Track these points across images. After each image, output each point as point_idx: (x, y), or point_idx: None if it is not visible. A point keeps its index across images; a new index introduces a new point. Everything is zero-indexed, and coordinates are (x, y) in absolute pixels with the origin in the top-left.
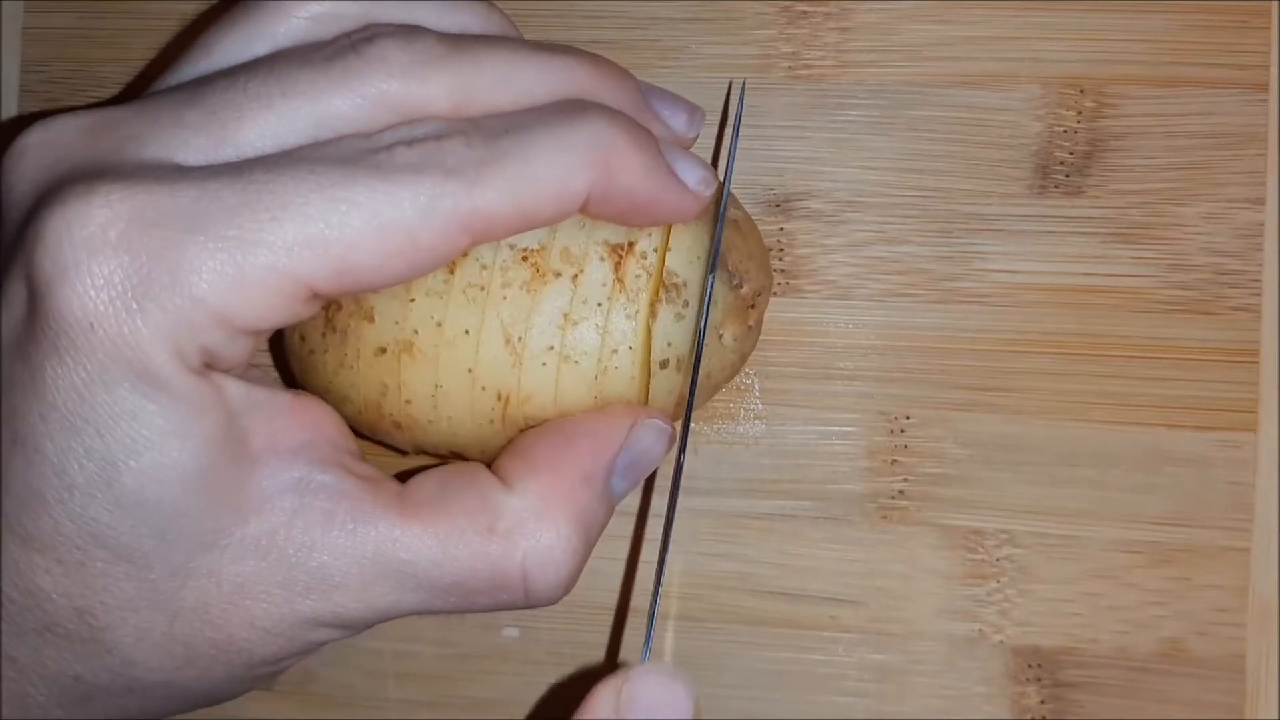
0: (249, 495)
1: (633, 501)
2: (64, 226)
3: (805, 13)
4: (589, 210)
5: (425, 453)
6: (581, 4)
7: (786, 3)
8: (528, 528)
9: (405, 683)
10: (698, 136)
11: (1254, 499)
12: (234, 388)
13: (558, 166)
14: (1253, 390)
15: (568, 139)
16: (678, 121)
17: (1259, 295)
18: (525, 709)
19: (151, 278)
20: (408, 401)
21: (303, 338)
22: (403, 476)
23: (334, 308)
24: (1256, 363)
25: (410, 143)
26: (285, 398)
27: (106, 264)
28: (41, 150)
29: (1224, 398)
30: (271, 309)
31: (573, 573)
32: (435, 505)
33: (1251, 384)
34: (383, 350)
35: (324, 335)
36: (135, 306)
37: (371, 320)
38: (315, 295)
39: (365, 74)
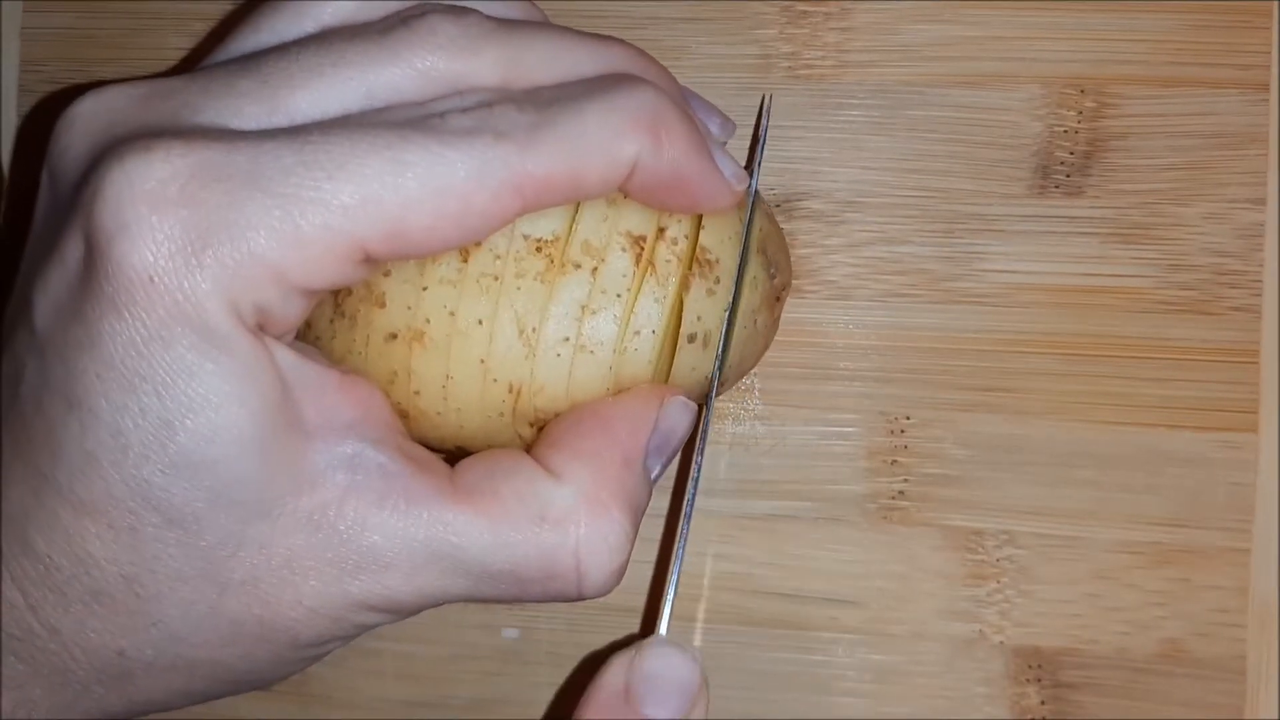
0: (303, 468)
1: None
2: (125, 181)
3: (805, 13)
4: (633, 183)
5: (429, 448)
6: (582, 4)
7: (787, 3)
8: (579, 515)
9: (405, 683)
10: (725, 144)
11: (1254, 500)
12: (286, 356)
13: (608, 129)
14: (1253, 391)
15: (618, 104)
16: (711, 125)
17: (1259, 295)
18: (525, 710)
19: (211, 233)
20: (416, 392)
21: (308, 324)
22: None
23: (343, 293)
24: (1257, 363)
25: (464, 109)
26: (334, 374)
27: (167, 219)
28: (95, 116)
29: (1224, 398)
30: (326, 268)
31: (624, 560)
32: (485, 491)
33: (1252, 384)
34: (393, 336)
35: (331, 321)
36: (195, 261)
37: (383, 305)
38: (368, 257)
39: (416, 46)
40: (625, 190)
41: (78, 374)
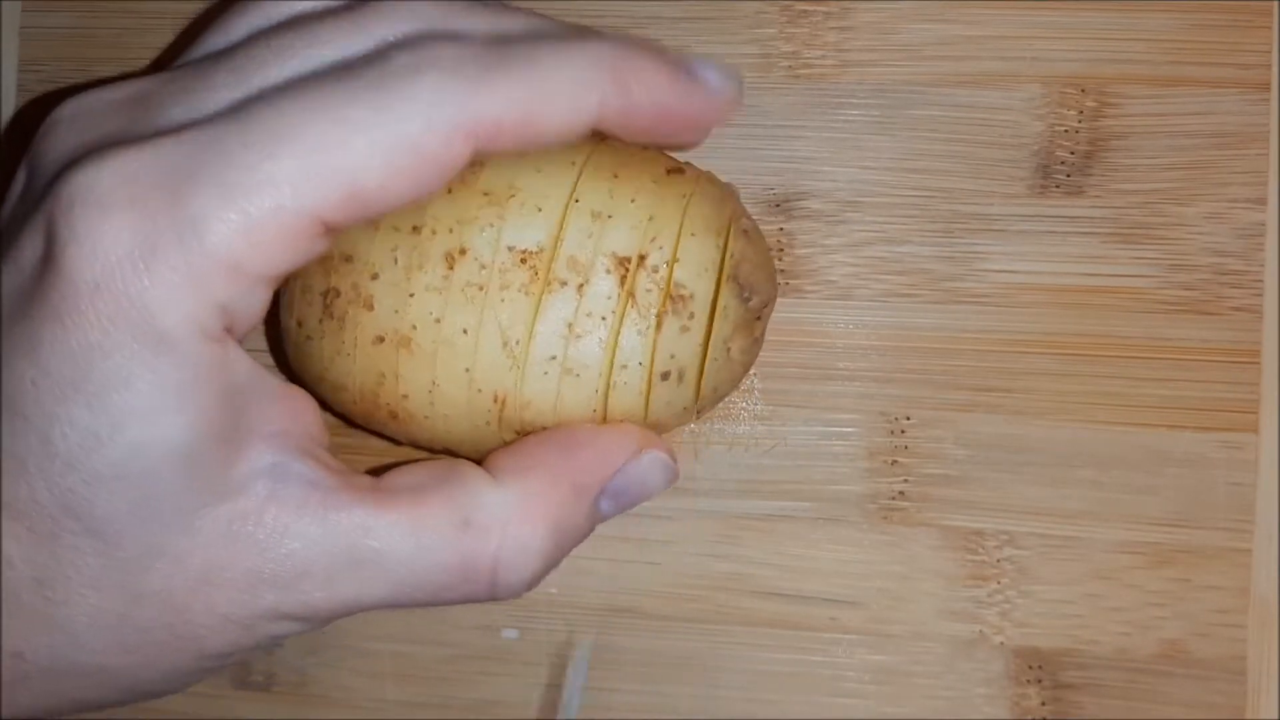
0: (228, 477)
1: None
2: (80, 189)
3: (805, 12)
4: (610, 128)
5: (420, 447)
6: (583, 4)
7: (787, 2)
8: (504, 522)
9: (403, 684)
10: (739, 96)
11: (1255, 500)
12: (242, 363)
13: (568, 71)
14: (1254, 391)
15: (579, 48)
16: (711, 75)
17: (1260, 295)
18: (524, 710)
19: (161, 235)
20: (404, 396)
21: (299, 323)
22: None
23: (332, 294)
24: (1258, 363)
25: (405, 46)
26: (276, 384)
27: (115, 225)
28: (72, 124)
29: (1225, 398)
30: (284, 250)
31: (538, 574)
32: (413, 493)
33: (1252, 384)
34: (380, 339)
35: (321, 321)
36: (143, 266)
37: (371, 308)
38: (328, 228)
39: (390, 18)
40: (608, 132)
41: (15, 378)
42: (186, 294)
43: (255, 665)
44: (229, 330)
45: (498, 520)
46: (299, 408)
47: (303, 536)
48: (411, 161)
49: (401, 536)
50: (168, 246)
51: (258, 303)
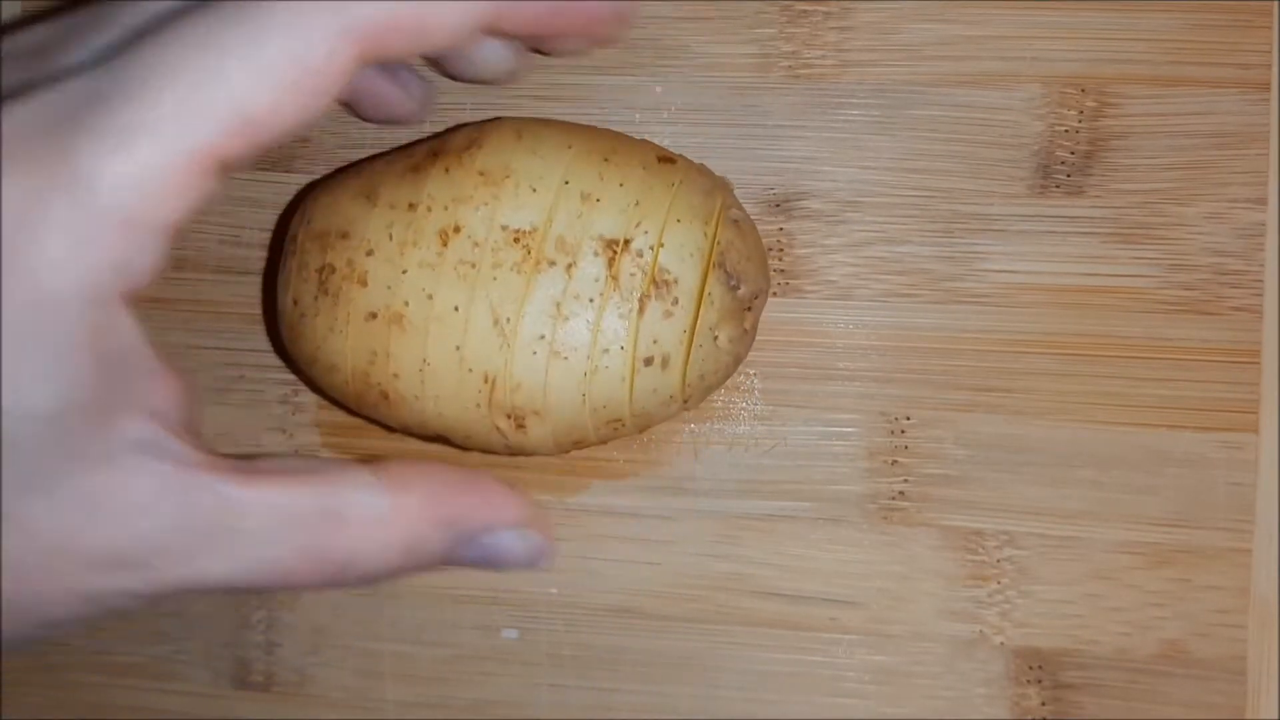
0: (96, 448)
1: (639, 502)
2: None
3: (805, 12)
4: (499, 27)
5: (413, 434)
6: None
7: (787, 2)
8: (368, 524)
9: (403, 684)
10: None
11: (1255, 500)
12: (127, 333)
13: None
14: (1254, 391)
15: None
16: None
17: (1260, 295)
18: (524, 710)
19: (51, 195)
20: (395, 375)
21: (295, 301)
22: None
23: (327, 270)
24: (1258, 363)
25: None
26: (157, 361)
27: (6, 186)
28: None
29: (1225, 398)
30: (179, 195)
31: (377, 580)
32: (285, 475)
33: (1252, 384)
34: (373, 315)
35: (316, 298)
36: (29, 231)
37: (364, 284)
38: (224, 164)
39: None
40: (493, 33)
41: None
42: (78, 256)
43: (255, 665)
44: (126, 292)
45: (362, 520)
46: (175, 389)
47: (164, 512)
48: (296, 77)
49: (265, 514)
50: (58, 207)
51: (157, 256)
